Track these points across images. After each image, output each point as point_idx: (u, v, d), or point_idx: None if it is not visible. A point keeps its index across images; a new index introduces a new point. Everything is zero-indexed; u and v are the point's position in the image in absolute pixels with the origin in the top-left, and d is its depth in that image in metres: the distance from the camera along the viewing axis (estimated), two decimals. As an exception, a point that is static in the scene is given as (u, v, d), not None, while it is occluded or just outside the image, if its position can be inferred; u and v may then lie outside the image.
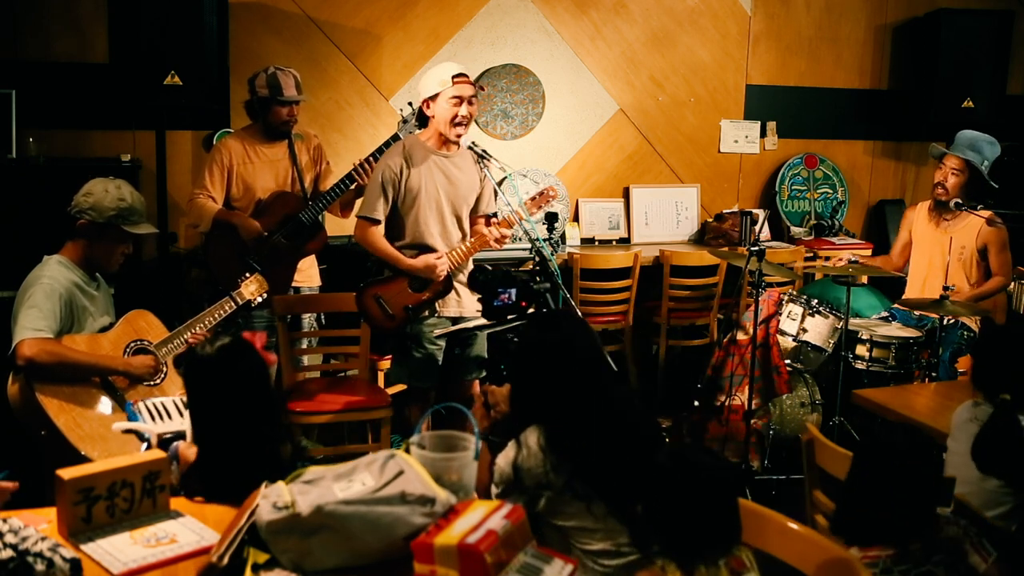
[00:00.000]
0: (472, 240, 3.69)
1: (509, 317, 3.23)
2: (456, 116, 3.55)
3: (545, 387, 2.21)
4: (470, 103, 3.58)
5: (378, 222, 3.62)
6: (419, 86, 3.68)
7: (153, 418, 2.89)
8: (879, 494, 2.07)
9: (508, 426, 2.33)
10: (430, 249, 3.65)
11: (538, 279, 3.27)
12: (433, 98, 3.58)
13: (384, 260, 3.66)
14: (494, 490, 2.24)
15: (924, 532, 2.07)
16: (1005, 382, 2.58)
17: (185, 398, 2.95)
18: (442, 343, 3.69)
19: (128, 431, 2.76)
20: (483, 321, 3.31)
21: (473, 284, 3.53)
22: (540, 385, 2.23)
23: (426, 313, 3.67)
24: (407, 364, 3.72)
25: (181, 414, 2.94)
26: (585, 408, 2.17)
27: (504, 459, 2.18)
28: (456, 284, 3.70)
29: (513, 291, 3.22)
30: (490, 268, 3.49)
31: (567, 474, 2.10)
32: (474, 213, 3.80)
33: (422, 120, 3.68)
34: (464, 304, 3.71)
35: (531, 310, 3.26)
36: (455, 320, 3.70)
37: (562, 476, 2.11)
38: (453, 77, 3.54)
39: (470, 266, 3.76)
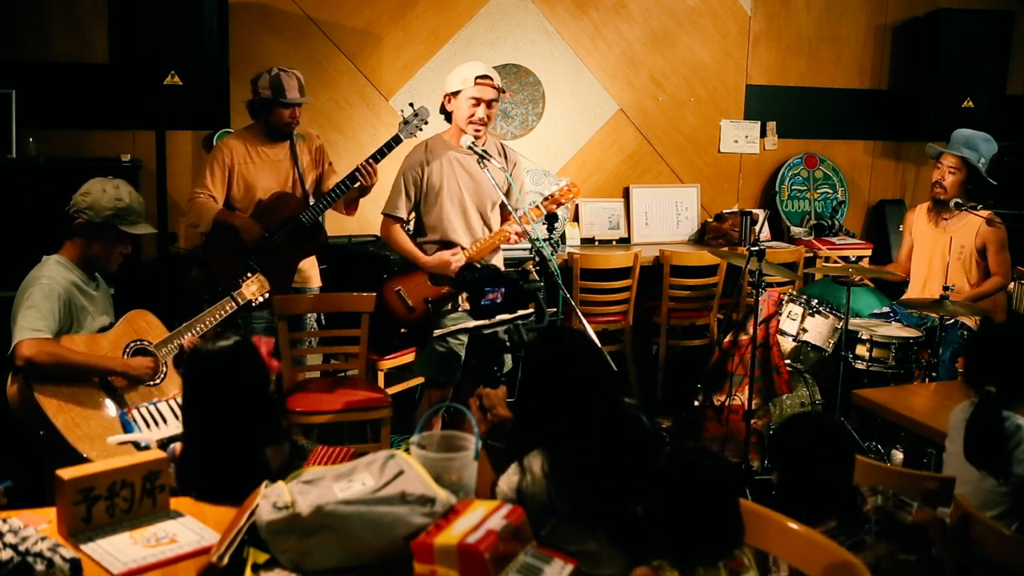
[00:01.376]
0: (492, 235, 3.71)
1: (503, 316, 3.19)
2: (473, 116, 3.56)
3: (548, 402, 2.17)
4: (489, 106, 3.58)
5: (401, 219, 3.69)
6: (445, 79, 3.68)
7: (148, 425, 2.89)
8: (801, 479, 2.18)
9: (509, 436, 2.30)
10: (455, 245, 3.68)
11: (530, 277, 3.26)
12: (455, 94, 3.61)
13: (404, 257, 3.73)
14: None
15: (849, 507, 2.14)
16: (994, 376, 2.59)
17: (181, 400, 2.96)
18: (464, 338, 3.68)
19: (125, 443, 2.76)
20: (485, 321, 3.28)
21: (461, 282, 3.53)
22: (543, 400, 2.19)
23: (448, 306, 3.69)
24: (429, 357, 3.73)
25: (177, 417, 2.94)
26: (588, 423, 2.14)
27: (507, 484, 2.13)
28: None
29: (502, 290, 3.20)
30: (479, 266, 3.48)
31: (571, 501, 2.08)
32: (504, 209, 3.81)
33: (445, 114, 3.70)
34: None
35: (530, 309, 3.24)
36: None
37: (566, 503, 2.08)
38: (476, 78, 3.55)
39: (495, 257, 3.78)
